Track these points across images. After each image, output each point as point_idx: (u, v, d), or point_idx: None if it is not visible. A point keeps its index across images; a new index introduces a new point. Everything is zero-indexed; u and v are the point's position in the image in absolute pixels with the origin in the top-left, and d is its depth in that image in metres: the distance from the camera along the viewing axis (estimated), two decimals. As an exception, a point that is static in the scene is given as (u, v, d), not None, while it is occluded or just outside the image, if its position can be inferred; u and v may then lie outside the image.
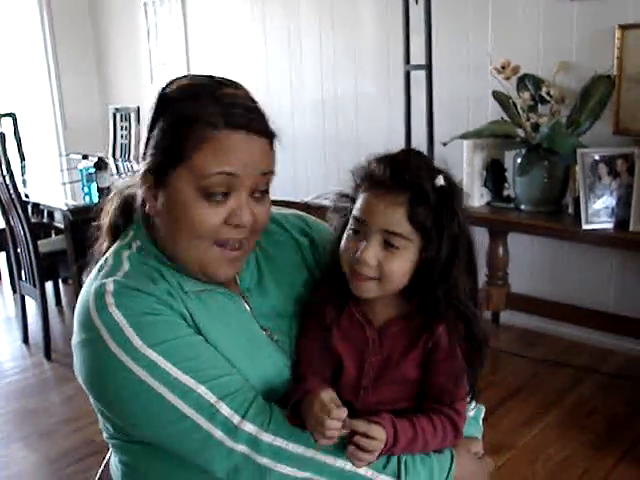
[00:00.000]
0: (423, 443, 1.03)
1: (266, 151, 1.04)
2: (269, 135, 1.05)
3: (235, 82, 1.08)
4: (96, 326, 0.99)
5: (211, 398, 0.98)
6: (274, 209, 1.23)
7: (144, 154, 1.06)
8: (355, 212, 1.04)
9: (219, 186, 1.00)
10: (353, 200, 1.07)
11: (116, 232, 1.15)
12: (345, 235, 1.06)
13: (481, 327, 1.08)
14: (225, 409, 0.98)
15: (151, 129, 1.05)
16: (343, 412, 0.95)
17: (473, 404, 1.25)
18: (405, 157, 1.05)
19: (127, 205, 1.15)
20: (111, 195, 1.18)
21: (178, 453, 1.01)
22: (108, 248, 1.13)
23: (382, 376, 1.07)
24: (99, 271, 1.07)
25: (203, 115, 1.00)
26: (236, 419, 0.98)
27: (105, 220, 1.16)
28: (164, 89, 1.06)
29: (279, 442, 0.99)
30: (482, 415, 1.27)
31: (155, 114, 1.05)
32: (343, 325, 1.09)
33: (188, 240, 1.03)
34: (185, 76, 1.08)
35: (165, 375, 0.97)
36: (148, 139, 1.05)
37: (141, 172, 1.06)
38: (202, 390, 0.98)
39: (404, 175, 1.02)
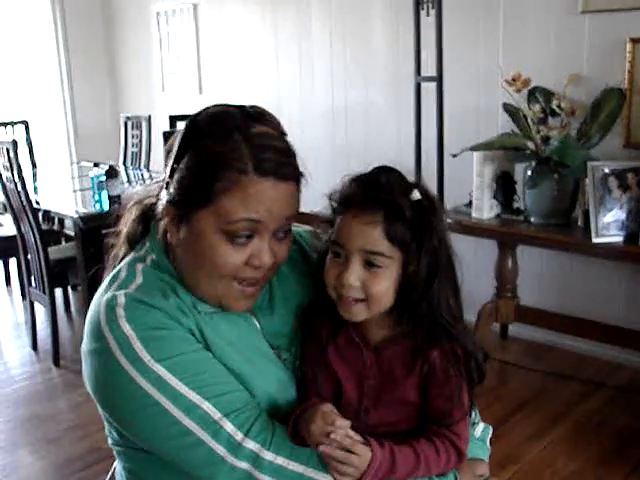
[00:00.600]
0: (425, 469, 1.03)
1: (293, 195, 1.04)
2: (297, 178, 1.05)
3: (266, 115, 1.06)
4: (106, 338, 1.00)
5: (215, 414, 0.99)
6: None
7: (167, 182, 1.06)
8: (333, 236, 1.04)
9: (243, 230, 1.01)
10: (332, 224, 1.07)
11: (134, 241, 1.15)
12: (327, 260, 1.06)
13: (473, 341, 1.08)
14: (229, 426, 0.99)
15: (177, 159, 1.04)
16: (346, 421, 0.96)
17: (481, 425, 1.25)
18: (377, 175, 1.05)
19: (146, 215, 1.15)
20: (130, 204, 1.18)
21: (181, 466, 1.02)
22: (124, 256, 1.14)
23: (382, 398, 1.06)
24: (112, 282, 1.07)
25: (233, 159, 0.99)
26: (239, 436, 0.99)
27: (124, 229, 1.17)
28: (194, 117, 1.05)
29: (280, 461, 0.99)
30: (489, 436, 1.26)
31: (183, 143, 1.04)
32: (340, 346, 1.09)
33: (208, 276, 1.04)
34: (217, 105, 1.07)
35: (171, 390, 0.98)
36: (173, 169, 1.05)
37: (164, 202, 1.06)
38: (207, 406, 0.99)
39: (377, 193, 1.01)
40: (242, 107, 1.06)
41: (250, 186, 0.99)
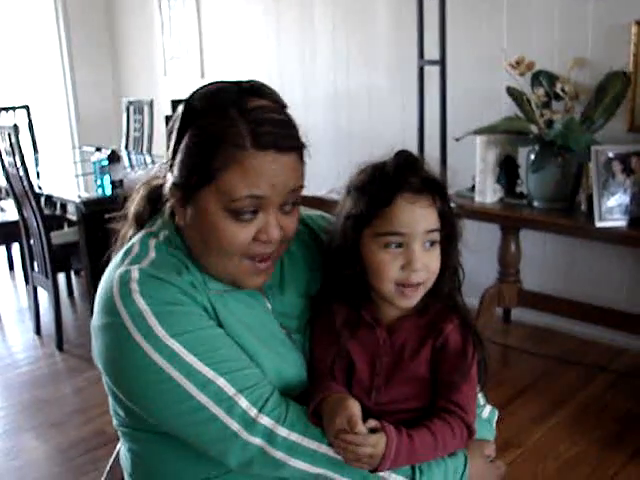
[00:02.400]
0: (443, 449, 1.04)
1: (295, 167, 1.02)
2: (299, 149, 1.03)
3: (264, 88, 1.04)
4: (119, 312, 0.99)
5: (230, 390, 0.99)
6: (301, 209, 1.24)
7: (171, 165, 1.05)
8: (392, 228, 1.02)
9: (247, 207, 1.00)
10: (361, 219, 1.05)
11: (141, 221, 1.15)
12: (383, 255, 1.03)
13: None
14: (243, 402, 0.99)
15: (177, 141, 1.04)
16: (364, 432, 0.96)
17: (488, 407, 1.26)
18: (415, 158, 1.07)
19: (153, 196, 1.15)
20: (138, 185, 1.18)
21: (192, 443, 1.02)
22: (133, 235, 1.14)
23: (394, 375, 1.07)
24: (124, 256, 1.07)
25: (230, 135, 0.97)
26: (253, 412, 0.99)
27: (131, 209, 1.17)
28: (190, 98, 1.04)
29: (294, 437, 0.99)
30: (495, 418, 1.27)
31: (181, 125, 1.03)
32: (353, 327, 1.09)
33: (217, 256, 1.03)
34: (211, 84, 1.05)
35: (186, 365, 0.98)
36: (175, 151, 1.04)
37: (169, 184, 1.06)
38: (221, 382, 0.98)
39: (423, 175, 1.04)
40: (238, 82, 1.04)
41: (249, 161, 0.97)
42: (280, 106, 1.05)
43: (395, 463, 0.99)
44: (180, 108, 1.05)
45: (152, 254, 1.05)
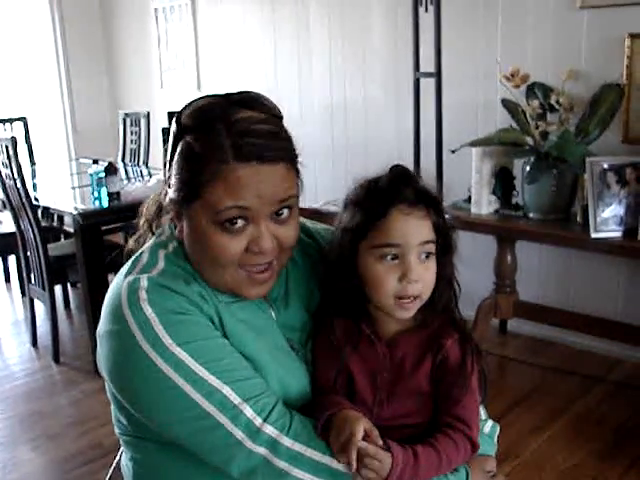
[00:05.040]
0: (447, 466, 1.05)
1: (283, 177, 1.02)
2: (287, 159, 1.03)
3: (255, 99, 1.06)
4: (126, 319, 1.00)
5: (235, 399, 0.99)
6: (307, 221, 1.25)
7: (168, 178, 1.08)
8: (387, 239, 1.03)
9: (233, 218, 1.01)
10: (357, 232, 1.06)
11: (151, 225, 1.19)
12: (379, 268, 1.05)
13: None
14: (248, 411, 0.99)
15: (171, 157, 1.06)
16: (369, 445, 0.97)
17: (490, 422, 1.26)
18: (409, 172, 1.09)
19: (161, 206, 1.18)
20: (152, 196, 1.21)
21: (196, 451, 1.02)
22: (145, 239, 1.17)
23: (395, 390, 1.07)
24: (133, 265, 1.08)
25: (213, 150, 0.99)
26: (258, 421, 0.99)
27: (145, 212, 1.21)
28: (180, 114, 1.06)
29: (298, 447, 1.00)
30: (497, 433, 1.27)
31: (173, 141, 1.06)
32: (353, 342, 1.09)
33: (213, 267, 1.05)
34: (201, 98, 1.06)
35: (191, 374, 0.98)
36: (170, 166, 1.07)
37: (167, 200, 1.09)
38: (227, 391, 0.99)
39: (416, 187, 1.05)
40: (229, 94, 1.06)
41: (231, 174, 0.98)
42: (272, 116, 1.05)
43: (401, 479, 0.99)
44: (172, 124, 1.07)
45: (161, 264, 1.07)
